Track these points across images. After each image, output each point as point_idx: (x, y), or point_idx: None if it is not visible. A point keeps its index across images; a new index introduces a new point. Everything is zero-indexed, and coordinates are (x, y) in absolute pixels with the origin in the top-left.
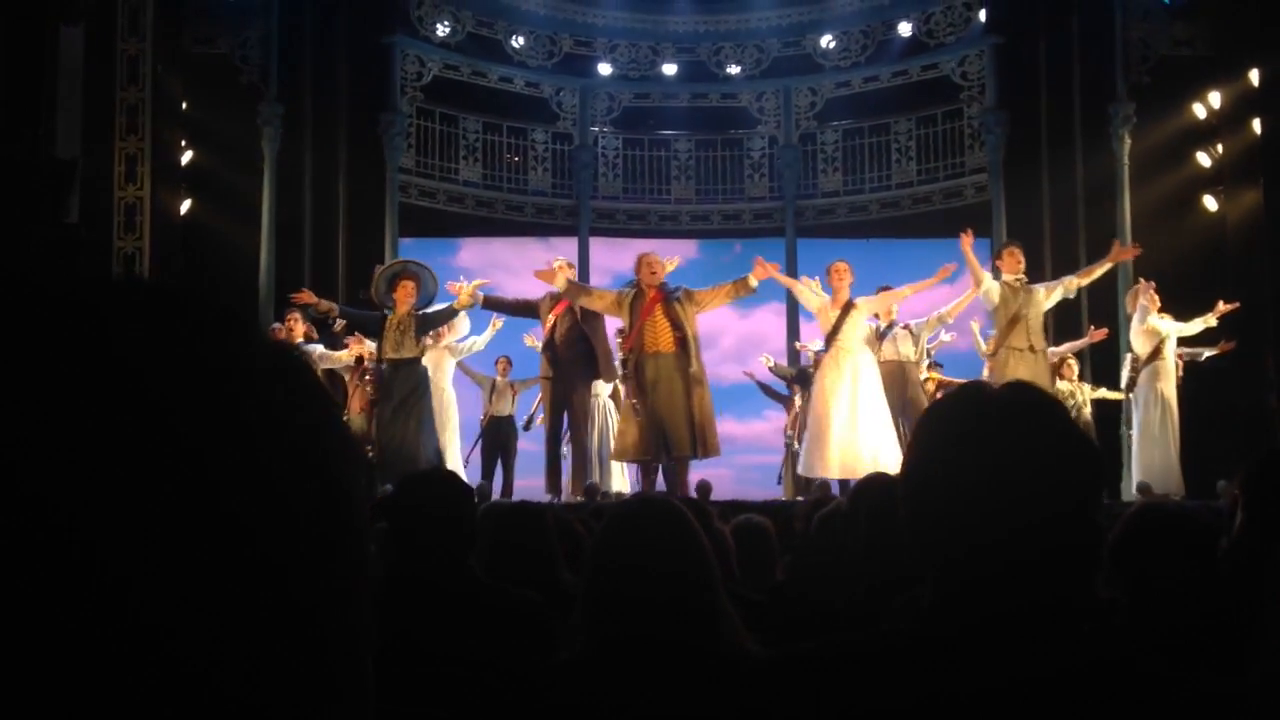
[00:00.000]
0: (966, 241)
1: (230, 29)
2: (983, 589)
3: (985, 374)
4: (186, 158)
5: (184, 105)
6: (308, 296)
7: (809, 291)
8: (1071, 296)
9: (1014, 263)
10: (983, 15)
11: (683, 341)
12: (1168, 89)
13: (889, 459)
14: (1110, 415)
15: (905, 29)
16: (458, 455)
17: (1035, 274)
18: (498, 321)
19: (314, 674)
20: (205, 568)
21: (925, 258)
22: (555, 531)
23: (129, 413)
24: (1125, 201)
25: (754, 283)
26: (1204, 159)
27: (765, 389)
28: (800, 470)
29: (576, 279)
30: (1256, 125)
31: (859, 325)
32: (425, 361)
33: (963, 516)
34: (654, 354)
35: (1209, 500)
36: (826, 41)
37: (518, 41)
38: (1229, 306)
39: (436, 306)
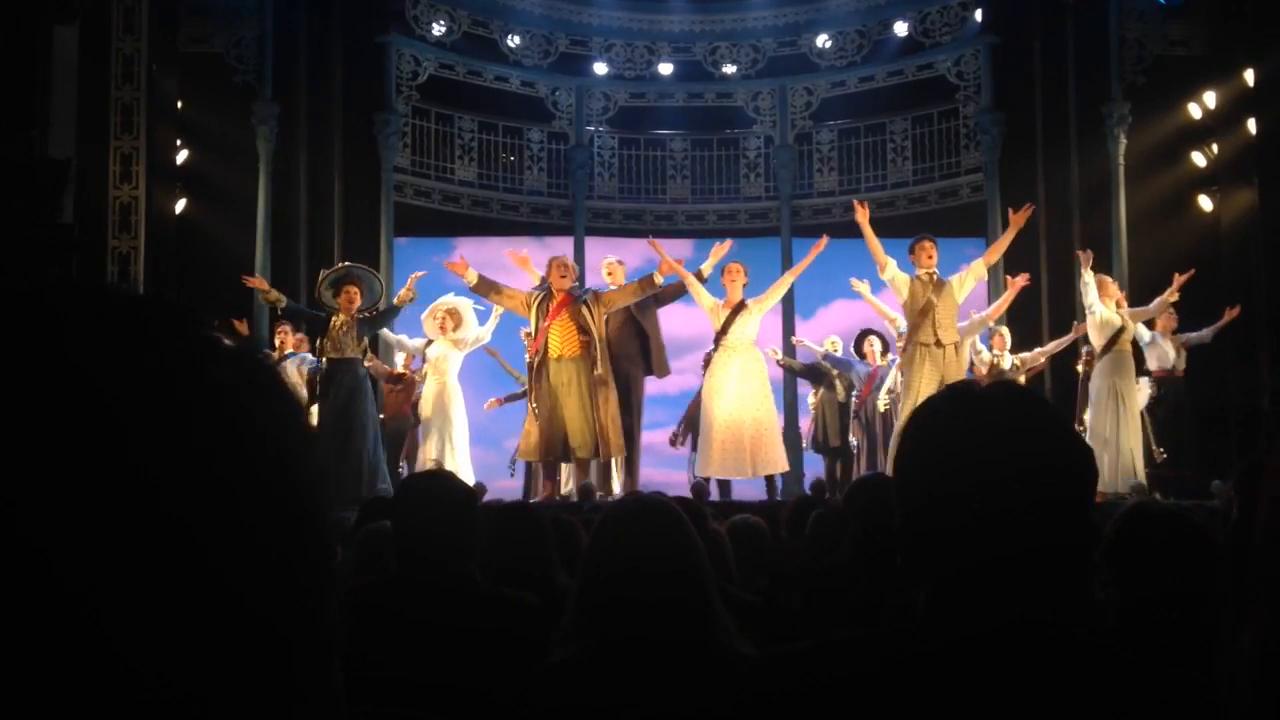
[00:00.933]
0: (862, 215)
1: (225, 28)
2: (977, 589)
3: (895, 371)
4: (181, 157)
5: (179, 104)
6: (259, 282)
7: (703, 290)
8: (984, 278)
9: (925, 257)
10: (979, 15)
11: (588, 345)
12: (1163, 89)
13: (770, 459)
14: None
15: (901, 29)
16: (465, 450)
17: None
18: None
19: (276, 677)
20: (160, 573)
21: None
22: (552, 533)
23: (79, 420)
24: (1120, 201)
25: (659, 279)
26: (1199, 159)
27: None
28: (695, 470)
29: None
30: (1251, 125)
31: (748, 326)
32: (433, 354)
33: (955, 516)
34: (558, 358)
35: (1204, 500)
36: (822, 41)
37: (513, 41)
38: (1184, 277)
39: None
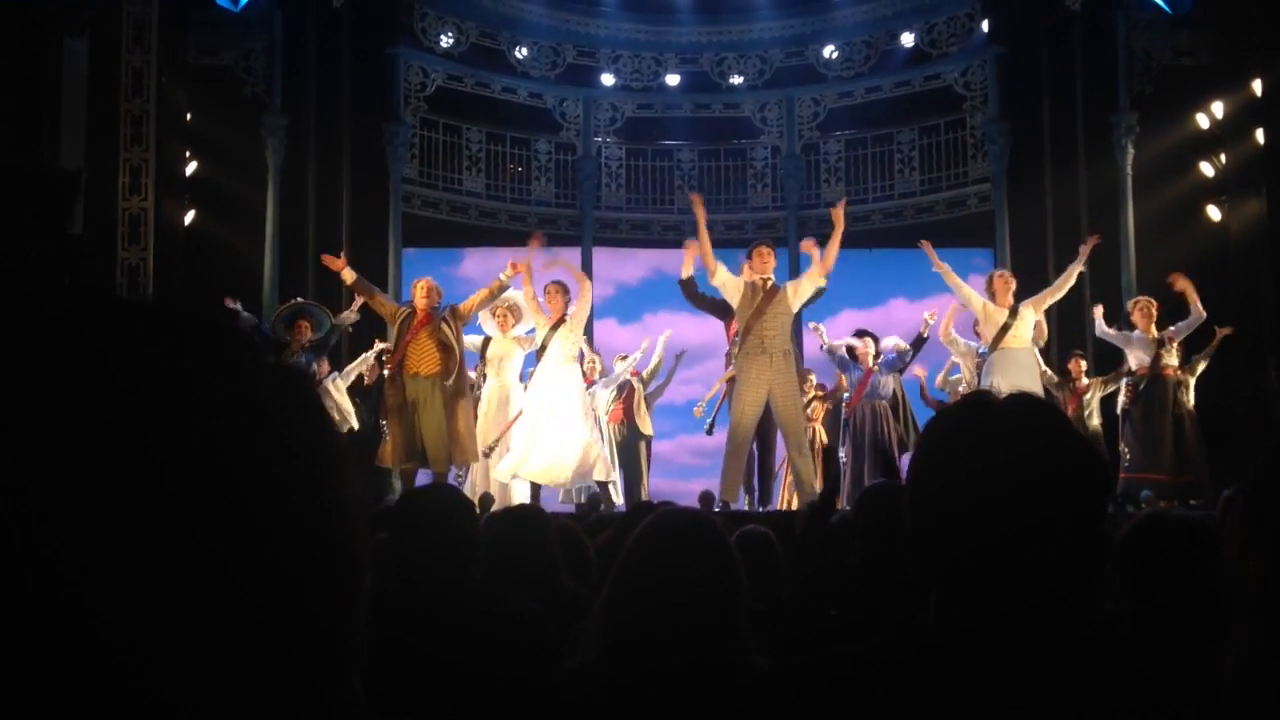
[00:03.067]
0: (699, 209)
1: (234, 41)
2: (989, 599)
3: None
4: (190, 169)
5: (188, 117)
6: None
7: (535, 305)
8: (823, 284)
9: (760, 263)
10: (985, 25)
11: (446, 360)
12: (1171, 99)
13: (582, 471)
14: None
15: (908, 39)
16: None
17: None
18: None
19: (296, 687)
20: (182, 580)
21: (927, 268)
22: (558, 538)
23: (108, 425)
24: (1128, 211)
25: (505, 279)
26: (1207, 169)
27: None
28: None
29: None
30: (1259, 135)
31: (566, 343)
32: (492, 354)
33: (969, 526)
34: (414, 374)
35: (1214, 510)
36: (829, 52)
37: (521, 52)
38: (1091, 242)
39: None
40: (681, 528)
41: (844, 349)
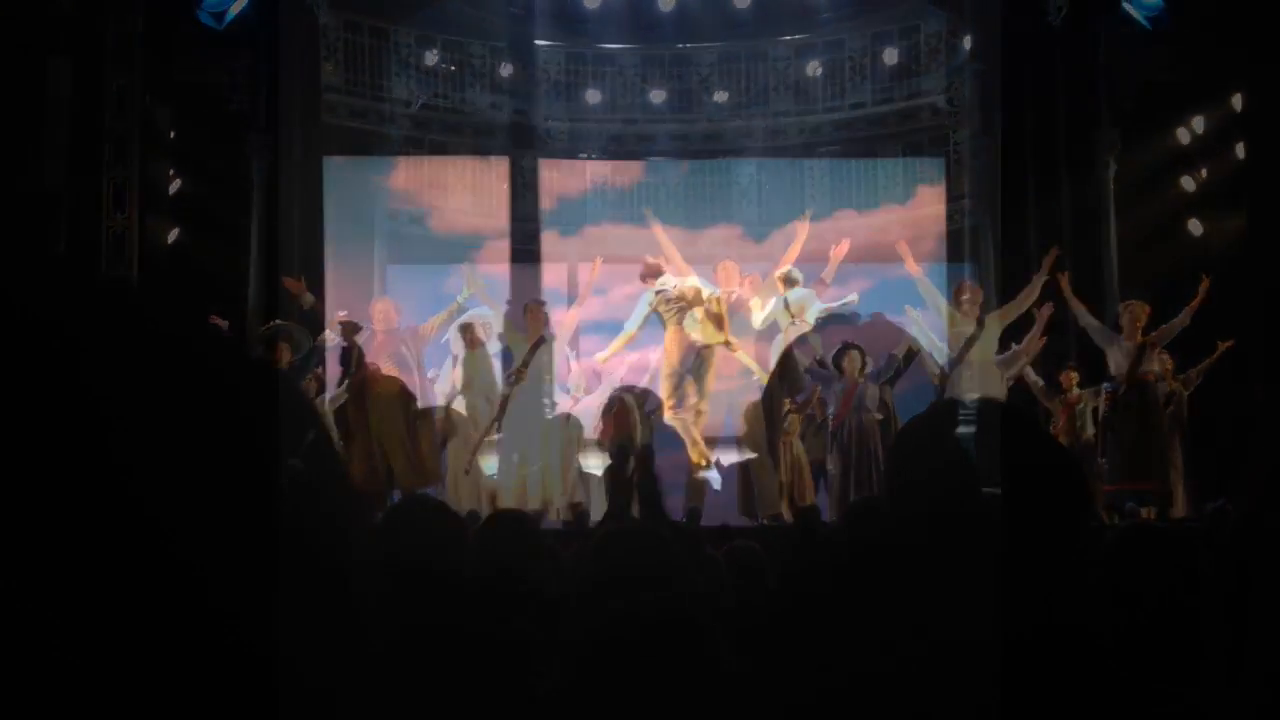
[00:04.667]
0: (654, 223)
1: (218, 59)
2: (974, 609)
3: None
4: (174, 187)
5: (172, 135)
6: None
7: (512, 326)
8: (780, 291)
9: (724, 278)
10: (968, 43)
11: (407, 381)
12: (1152, 115)
13: (553, 491)
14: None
15: (891, 56)
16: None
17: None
18: None
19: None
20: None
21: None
22: (543, 541)
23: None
24: (1111, 226)
25: (462, 300)
26: (1188, 183)
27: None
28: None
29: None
30: (1240, 150)
31: (544, 361)
32: (460, 371)
33: (950, 536)
34: (377, 394)
35: (1197, 522)
36: (813, 69)
37: (505, 70)
38: (1052, 255)
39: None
40: (626, 538)
41: (819, 363)
